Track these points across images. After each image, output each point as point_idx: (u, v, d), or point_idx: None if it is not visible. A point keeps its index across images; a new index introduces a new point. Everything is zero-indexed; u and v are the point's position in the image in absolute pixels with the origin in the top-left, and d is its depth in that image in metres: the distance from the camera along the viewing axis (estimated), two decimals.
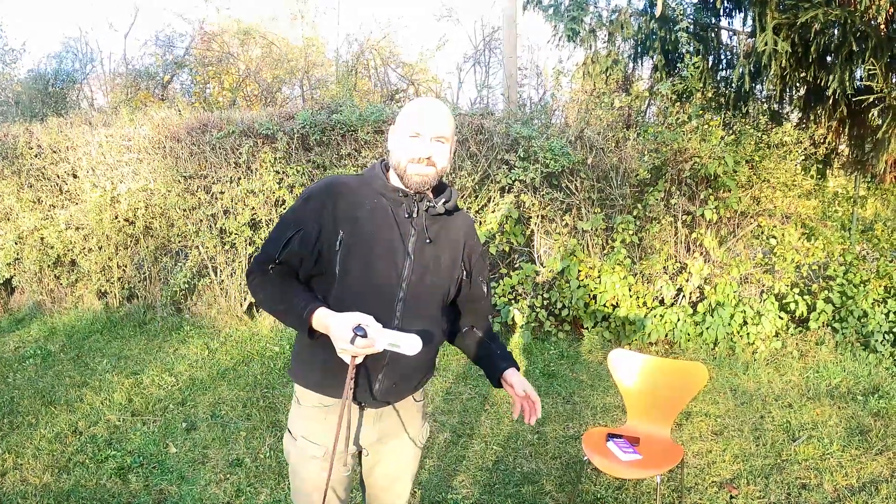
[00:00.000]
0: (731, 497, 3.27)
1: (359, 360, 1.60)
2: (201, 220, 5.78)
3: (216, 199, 5.73)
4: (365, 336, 1.50)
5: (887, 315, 5.04)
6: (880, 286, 5.15)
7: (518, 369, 1.90)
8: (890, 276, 5.15)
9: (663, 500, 3.25)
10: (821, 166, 5.57)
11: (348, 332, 1.50)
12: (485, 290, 1.93)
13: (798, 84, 5.20)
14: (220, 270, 5.89)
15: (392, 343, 1.52)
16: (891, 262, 5.21)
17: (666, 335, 5.42)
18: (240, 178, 5.64)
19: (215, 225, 5.77)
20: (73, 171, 6.28)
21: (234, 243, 5.79)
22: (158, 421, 4.06)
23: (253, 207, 5.66)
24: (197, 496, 3.21)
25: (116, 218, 6.05)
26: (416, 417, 1.91)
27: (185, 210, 5.80)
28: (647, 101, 6.34)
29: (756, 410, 4.27)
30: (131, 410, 4.19)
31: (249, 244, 5.79)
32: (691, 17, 5.56)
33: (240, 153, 5.54)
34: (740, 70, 4.66)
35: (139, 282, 6.14)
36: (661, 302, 5.58)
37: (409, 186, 1.67)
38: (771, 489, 3.33)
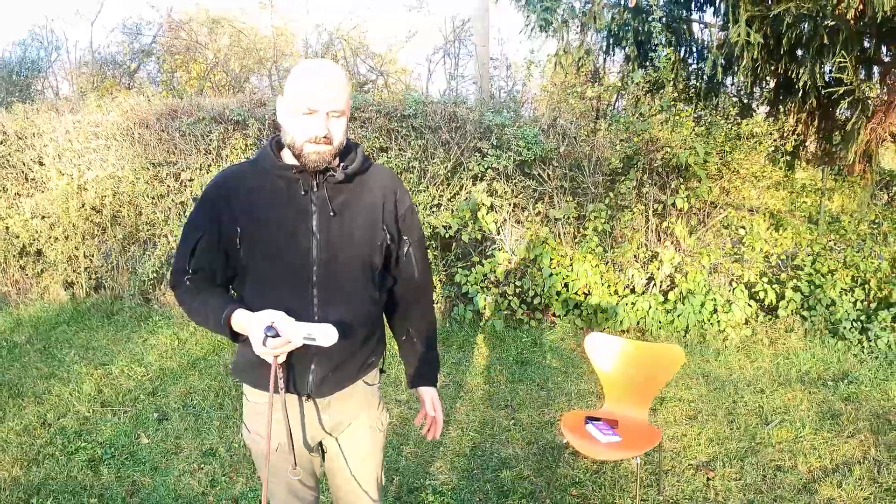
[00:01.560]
0: (708, 479, 3.31)
1: (281, 359, 1.55)
2: (170, 208, 5.66)
3: (185, 186, 5.62)
4: (277, 335, 1.45)
5: (854, 304, 5.17)
6: (847, 276, 5.28)
7: (435, 383, 1.90)
8: (857, 265, 5.27)
9: (642, 483, 3.28)
10: (789, 158, 5.67)
11: (260, 332, 1.45)
12: (406, 249, 1.76)
13: (769, 77, 5.29)
14: None
15: (307, 336, 1.46)
16: (858, 252, 5.34)
17: (637, 323, 5.48)
18: (209, 166, 5.54)
19: (184, 213, 5.67)
20: (39, 158, 6.10)
21: None
22: (129, 412, 3.97)
23: None
24: (171, 487, 3.14)
25: (83, 206, 5.90)
26: (371, 402, 1.82)
27: (153, 198, 5.67)
28: (617, 93, 6.39)
29: (728, 395, 4.34)
30: (101, 401, 4.09)
31: None
32: (664, 8, 5.61)
33: (210, 139, 5.44)
34: (713, 60, 4.71)
35: (106, 272, 5.98)
36: (633, 290, 5.64)
37: (305, 165, 1.55)
38: (746, 471, 3.38)
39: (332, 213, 1.59)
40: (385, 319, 1.87)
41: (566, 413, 3.22)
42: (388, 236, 1.69)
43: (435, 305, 5.69)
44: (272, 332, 1.44)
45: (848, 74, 3.99)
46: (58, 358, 4.87)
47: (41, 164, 6.12)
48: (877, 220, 5.47)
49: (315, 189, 1.59)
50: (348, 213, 1.62)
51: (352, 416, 1.77)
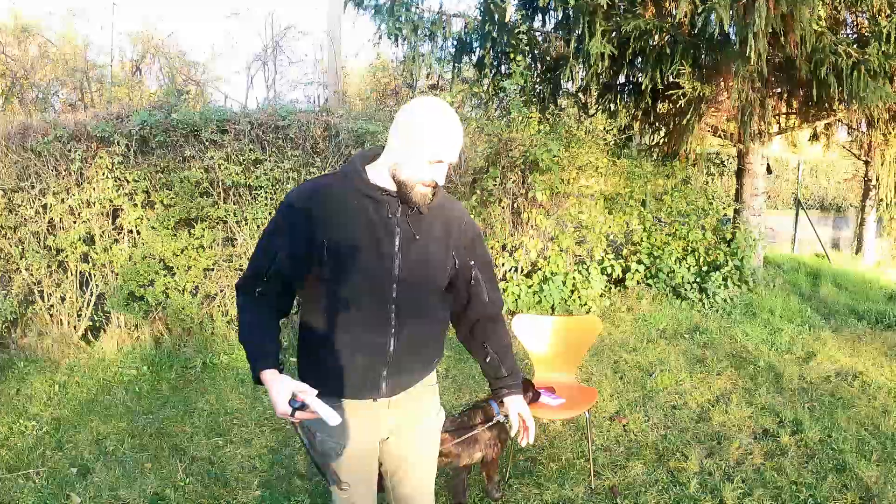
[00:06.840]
0: (624, 426, 3.87)
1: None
2: (22, 241, 5.04)
3: (39, 214, 5.04)
4: (303, 408, 1.54)
5: (689, 269, 6.18)
6: (680, 246, 6.28)
7: (520, 392, 1.96)
8: (684, 237, 6.30)
9: (572, 438, 3.74)
10: (621, 150, 6.57)
11: (286, 406, 1.53)
12: (474, 273, 1.86)
13: (611, 80, 6.09)
14: (50, 295, 5.21)
15: (322, 414, 1.55)
16: (683, 225, 6.37)
17: (508, 308, 6.01)
18: (69, 189, 5.03)
19: (41, 243, 5.08)
20: None
21: (64, 262, 5.16)
22: (42, 472, 3.51)
23: (87, 220, 5.09)
24: None
25: None
26: (430, 402, 1.93)
27: (6, 229, 5.00)
28: (468, 96, 6.87)
29: (609, 357, 5.01)
30: (4, 466, 3.58)
31: (83, 261, 5.20)
32: (514, 18, 6.18)
33: (71, 160, 4.95)
34: (570, 70, 5.35)
35: None
36: (504, 277, 6.16)
37: (409, 199, 1.65)
38: (650, 414, 4.00)
39: (416, 238, 1.70)
40: (465, 344, 2.01)
41: None
42: (456, 262, 1.81)
43: None
44: (298, 404, 1.54)
45: (687, 79, 4.84)
46: None
47: None
48: (696, 198, 6.56)
49: (399, 213, 1.68)
50: (425, 238, 1.72)
51: (413, 416, 1.86)
